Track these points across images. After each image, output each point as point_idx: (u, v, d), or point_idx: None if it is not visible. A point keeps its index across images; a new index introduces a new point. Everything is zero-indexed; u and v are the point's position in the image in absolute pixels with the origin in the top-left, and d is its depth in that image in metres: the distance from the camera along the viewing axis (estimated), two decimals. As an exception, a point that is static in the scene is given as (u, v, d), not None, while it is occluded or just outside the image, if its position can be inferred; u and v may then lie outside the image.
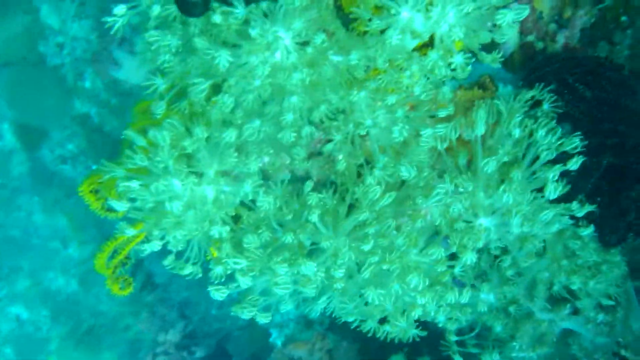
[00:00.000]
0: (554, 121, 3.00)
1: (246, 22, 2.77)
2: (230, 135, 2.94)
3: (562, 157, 2.93)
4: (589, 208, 3.02)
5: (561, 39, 3.27)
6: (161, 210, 3.06)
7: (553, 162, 2.96)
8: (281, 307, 3.36)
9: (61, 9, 5.69)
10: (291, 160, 3.26)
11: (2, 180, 8.41)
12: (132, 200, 3.04)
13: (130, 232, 3.09)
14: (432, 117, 3.03)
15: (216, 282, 3.16)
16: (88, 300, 8.73)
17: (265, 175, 3.32)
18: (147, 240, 3.18)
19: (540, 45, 3.29)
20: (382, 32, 2.75)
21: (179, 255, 3.26)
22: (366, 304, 3.25)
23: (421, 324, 3.37)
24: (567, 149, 2.94)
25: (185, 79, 3.05)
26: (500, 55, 2.83)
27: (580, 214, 3.04)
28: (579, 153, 2.89)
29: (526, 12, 2.72)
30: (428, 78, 2.90)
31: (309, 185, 3.11)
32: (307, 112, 2.99)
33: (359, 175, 3.13)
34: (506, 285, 3.47)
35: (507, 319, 3.64)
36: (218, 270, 3.13)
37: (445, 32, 2.74)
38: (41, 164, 7.57)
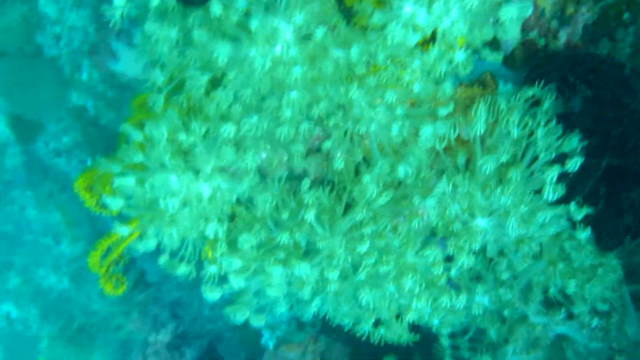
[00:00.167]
0: (554, 120, 2.97)
1: (246, 15, 2.75)
2: (228, 130, 2.91)
3: (562, 158, 2.90)
4: (587, 211, 3.00)
5: (563, 36, 3.25)
6: (156, 208, 3.02)
7: (552, 162, 2.93)
8: (275, 310, 3.33)
9: (59, -2, 5.66)
10: (289, 157, 3.23)
11: (-6, 173, 8.36)
12: (128, 197, 3.00)
13: (125, 230, 3.04)
14: (432, 114, 3.01)
15: (210, 282, 3.12)
16: (79, 299, 8.66)
17: (262, 172, 3.29)
18: (141, 238, 3.14)
19: (542, 42, 3.26)
20: (384, 26, 2.73)
21: (173, 254, 3.22)
22: (360, 306, 3.22)
23: (414, 327, 3.34)
24: (566, 150, 2.91)
25: (184, 72, 3.02)
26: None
27: (578, 217, 3.02)
28: (578, 154, 2.87)
29: (530, 10, 2.71)
30: (429, 74, 2.87)
31: (306, 183, 3.08)
32: (307, 108, 2.96)
33: (357, 173, 3.09)
34: (501, 288, 3.44)
35: (501, 323, 3.61)
36: (212, 269, 3.09)
37: (447, 27, 2.72)
38: (35, 157, 7.52)
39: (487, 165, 3.00)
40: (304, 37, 2.82)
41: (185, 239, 3.20)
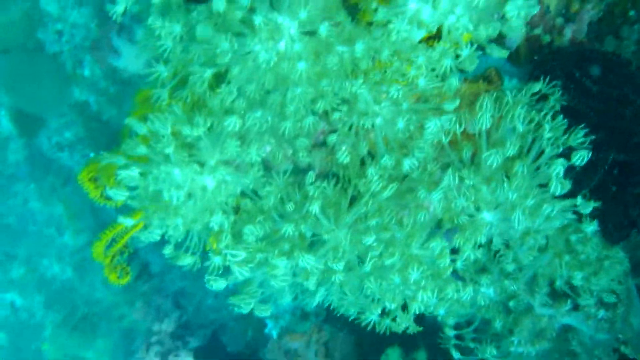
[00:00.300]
0: (560, 116, 2.97)
1: (251, 10, 2.74)
2: (233, 123, 2.90)
3: (568, 152, 2.90)
4: (593, 205, 3.00)
5: (568, 32, 3.24)
6: (161, 200, 3.03)
7: (559, 156, 2.93)
8: (280, 300, 3.34)
9: (60, -5, 5.65)
10: (294, 151, 3.23)
11: (-2, 167, 8.38)
12: (132, 188, 3.00)
13: (129, 221, 3.05)
14: (437, 109, 3.00)
15: (214, 273, 3.13)
16: (83, 288, 8.70)
17: (267, 166, 3.29)
18: (145, 229, 3.15)
19: (547, 38, 3.26)
20: (389, 22, 2.71)
21: (178, 245, 3.23)
22: (365, 296, 3.24)
23: (419, 317, 3.35)
24: (573, 144, 2.91)
25: (188, 67, 3.02)
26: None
27: (585, 211, 3.02)
28: (585, 148, 2.87)
29: (536, 7, 2.70)
30: (434, 70, 2.86)
31: (311, 176, 3.09)
32: (311, 103, 2.96)
33: (363, 167, 3.10)
34: (507, 280, 3.45)
35: (506, 314, 3.62)
36: (217, 260, 3.10)
37: (453, 23, 2.71)
38: (38, 151, 7.53)
39: (492, 159, 3.00)
40: (309, 33, 2.81)
41: (190, 231, 3.21)
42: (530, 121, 3.00)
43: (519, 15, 2.71)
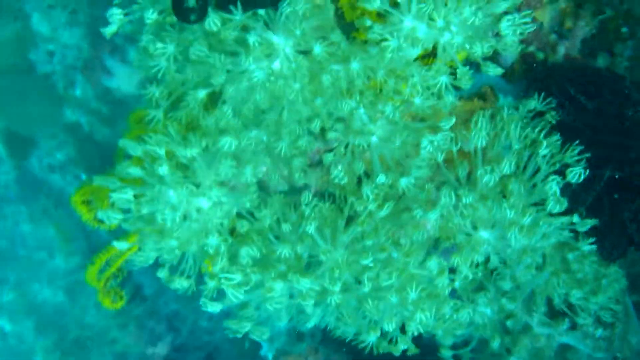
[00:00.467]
0: (556, 133, 2.96)
1: (245, 29, 2.73)
2: (228, 144, 2.88)
3: (564, 169, 2.90)
4: (591, 223, 2.99)
5: (562, 49, 3.26)
6: (155, 222, 2.99)
7: (555, 174, 2.92)
8: (277, 323, 3.31)
9: (52, 16, 5.63)
10: (289, 171, 3.21)
11: (-13, 189, 8.31)
12: (126, 211, 2.97)
13: (124, 244, 3.02)
14: (433, 127, 2.99)
15: (209, 296, 3.10)
16: (74, 312, 8.60)
17: (262, 186, 3.27)
18: (140, 252, 3.11)
19: (540, 55, 3.27)
20: (384, 40, 2.71)
21: (173, 268, 3.19)
22: (362, 317, 3.20)
23: (415, 337, 3.32)
24: (568, 161, 2.91)
25: (182, 87, 3.00)
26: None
27: (582, 229, 3.01)
28: (580, 166, 2.86)
29: (531, 26, 2.71)
30: (429, 88, 2.86)
31: (307, 196, 3.06)
32: (307, 122, 2.95)
33: (359, 186, 3.07)
34: (504, 298, 3.42)
35: (504, 333, 3.59)
36: (212, 284, 3.07)
37: (448, 41, 2.71)
38: (29, 173, 7.48)
39: (488, 177, 2.99)
40: (303, 52, 2.80)
41: (185, 253, 3.18)
42: (526, 138, 3.00)
43: (514, 32, 2.71)
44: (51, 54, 5.92)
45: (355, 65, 2.75)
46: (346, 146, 3.04)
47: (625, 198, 3.01)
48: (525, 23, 2.71)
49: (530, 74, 3.25)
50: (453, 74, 2.81)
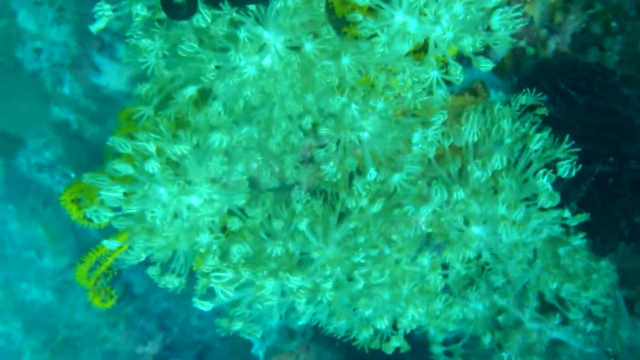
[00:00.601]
0: (547, 128, 2.97)
1: (235, 25, 2.71)
2: (218, 141, 2.86)
3: (555, 164, 2.90)
4: (581, 218, 3.00)
5: (552, 44, 3.26)
6: (146, 220, 2.97)
7: (546, 168, 2.92)
8: (268, 321, 3.29)
9: (39, 13, 5.57)
10: (281, 168, 3.20)
11: (-26, 189, 8.23)
12: (116, 209, 2.94)
13: (114, 243, 2.99)
14: (425, 123, 2.99)
15: (199, 293, 3.08)
16: (63, 312, 8.54)
17: (253, 183, 3.26)
18: (130, 251, 3.09)
19: (531, 50, 3.27)
20: (375, 36, 2.70)
21: (164, 266, 3.17)
22: (355, 314, 3.20)
23: (407, 334, 3.32)
24: (559, 156, 2.91)
25: (172, 83, 2.98)
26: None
27: (573, 224, 3.02)
28: (571, 161, 2.86)
29: (522, 21, 2.71)
30: (421, 83, 2.85)
31: (298, 193, 3.05)
32: (298, 119, 2.93)
33: (350, 182, 3.06)
34: (495, 294, 3.43)
35: (496, 329, 3.60)
36: (204, 282, 3.05)
37: (439, 36, 2.70)
38: (17, 172, 7.41)
39: (480, 172, 2.99)
40: (294, 48, 2.78)
41: (176, 251, 3.16)
42: (517, 133, 3.00)
43: (506, 27, 2.71)
44: (38, 52, 5.85)
45: (346, 61, 2.73)
46: (337, 142, 3.03)
47: (616, 193, 3.01)
48: (517, 17, 2.70)
49: (520, 69, 3.25)
50: (444, 69, 2.80)
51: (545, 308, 3.47)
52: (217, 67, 2.74)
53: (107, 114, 5.64)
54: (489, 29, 2.82)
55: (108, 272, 3.34)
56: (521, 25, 2.75)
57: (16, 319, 9.05)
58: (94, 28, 2.86)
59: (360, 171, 3.06)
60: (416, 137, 2.90)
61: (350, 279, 3.05)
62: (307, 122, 2.91)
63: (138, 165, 2.88)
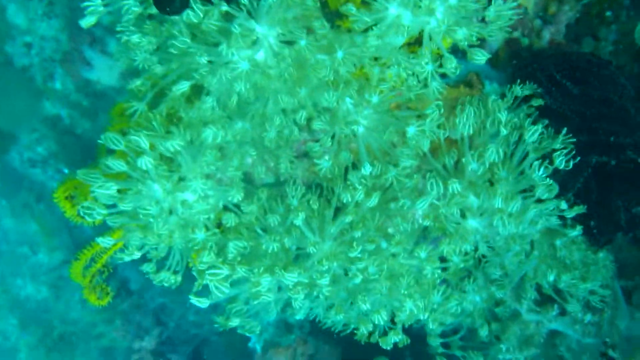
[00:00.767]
0: (543, 120, 2.95)
1: (228, 20, 2.68)
2: (211, 136, 2.83)
3: (551, 156, 2.88)
4: (578, 210, 2.98)
5: (547, 34, 3.24)
6: (141, 217, 2.94)
7: (542, 160, 2.90)
8: (266, 317, 3.28)
9: (29, 8, 5.52)
10: (276, 163, 3.17)
11: (-33, 184, 8.19)
12: (110, 206, 2.91)
13: (109, 241, 2.96)
14: (420, 116, 2.96)
15: (197, 290, 3.06)
16: (58, 308, 8.51)
17: (248, 178, 3.23)
18: (126, 248, 3.06)
19: (525, 41, 3.25)
20: (369, 29, 2.67)
21: (159, 262, 3.15)
22: (352, 308, 3.19)
23: (405, 327, 3.31)
24: (555, 147, 2.89)
25: (165, 79, 2.95)
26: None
27: (570, 216, 3.00)
28: (567, 152, 2.85)
29: (517, 12, 2.68)
30: (415, 76, 2.82)
31: (293, 188, 3.03)
32: (292, 113, 2.90)
33: (346, 177, 3.04)
34: (493, 286, 3.42)
35: (493, 321, 3.59)
36: (199, 279, 3.03)
37: (433, 29, 2.67)
38: (9, 167, 7.37)
39: (475, 165, 2.97)
40: (288, 42, 2.75)
41: (171, 248, 3.13)
42: (513, 125, 2.98)
43: (500, 18, 2.68)
44: (29, 46, 5.81)
45: (340, 54, 2.71)
46: (332, 136, 3.00)
47: (613, 184, 3.00)
48: (512, 8, 2.68)
49: (515, 60, 3.23)
50: (439, 61, 2.77)
51: (543, 299, 3.46)
52: (210, 62, 2.71)
53: (99, 108, 5.61)
54: (483, 20, 2.80)
55: (103, 269, 3.32)
56: (516, 16, 2.73)
57: (11, 316, 9.03)
58: (85, 23, 2.82)
59: (356, 165, 3.04)
60: (411, 130, 2.87)
61: (347, 273, 3.03)
62: (302, 116, 2.88)
63: (131, 162, 2.84)
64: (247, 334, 3.21)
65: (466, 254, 3.15)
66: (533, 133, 2.90)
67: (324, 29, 2.77)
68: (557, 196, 2.96)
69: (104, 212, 2.85)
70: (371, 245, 2.98)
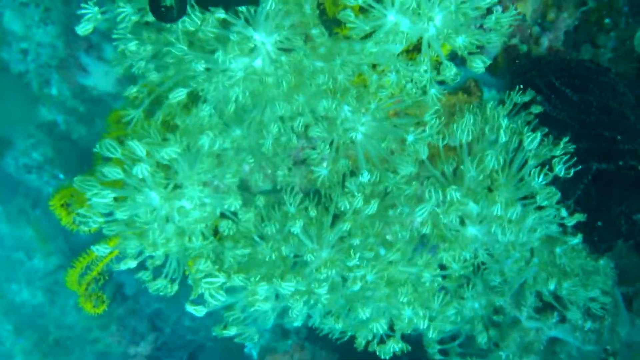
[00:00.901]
0: (542, 126, 2.94)
1: (225, 27, 2.66)
2: (208, 143, 2.81)
3: (551, 162, 2.87)
4: (579, 218, 2.96)
5: (545, 41, 3.23)
6: (137, 225, 2.92)
7: (542, 167, 2.89)
8: (263, 324, 3.26)
9: (25, 14, 5.50)
10: (273, 170, 3.15)
11: (-37, 190, 8.16)
12: (107, 214, 2.88)
13: (105, 249, 2.93)
14: (418, 123, 2.95)
15: (193, 298, 3.03)
16: (54, 313, 8.49)
17: (245, 185, 3.21)
18: (122, 256, 3.04)
19: (524, 48, 3.24)
20: (367, 36, 2.66)
21: (156, 269, 3.13)
22: (350, 316, 3.16)
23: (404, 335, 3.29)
24: (556, 154, 2.87)
25: (162, 86, 2.93)
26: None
27: (570, 223, 2.98)
28: (568, 159, 2.83)
29: (516, 19, 2.67)
30: (414, 83, 2.80)
31: (291, 195, 3.01)
32: (290, 120, 2.89)
33: (344, 184, 3.02)
34: (492, 293, 3.40)
35: (492, 328, 3.58)
36: (195, 288, 3.00)
37: (432, 36, 2.66)
38: (5, 173, 7.35)
39: (474, 172, 2.96)
40: (286, 50, 2.74)
41: (168, 255, 3.11)
42: (512, 132, 2.96)
43: (499, 26, 2.67)
44: (25, 53, 5.80)
45: (338, 62, 2.69)
46: (331, 143, 2.98)
47: (613, 191, 2.99)
48: (511, 15, 2.66)
49: (514, 67, 3.22)
50: (437, 68, 2.75)
51: (543, 306, 3.45)
52: (207, 70, 2.69)
53: (95, 114, 5.59)
54: (481, 27, 2.79)
55: (99, 276, 3.29)
56: (514, 23, 2.72)
57: (7, 321, 8.99)
58: (81, 30, 2.79)
59: (354, 172, 3.02)
60: (410, 137, 2.85)
61: (346, 279, 3.01)
62: (299, 123, 2.85)
63: (128, 170, 2.82)
64: (244, 342, 3.19)
65: (465, 261, 3.13)
66: (532, 140, 2.88)
67: (322, 37, 2.75)
68: (557, 203, 2.95)
69: (100, 220, 2.82)
70: (370, 253, 2.96)
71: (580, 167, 2.85)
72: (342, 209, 2.95)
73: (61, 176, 6.61)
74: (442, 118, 2.97)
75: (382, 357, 3.15)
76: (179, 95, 2.78)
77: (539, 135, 2.88)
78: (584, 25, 3.23)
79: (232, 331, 3.12)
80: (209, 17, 2.59)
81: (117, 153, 2.77)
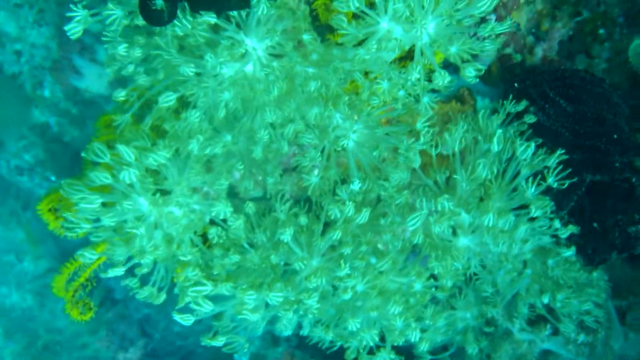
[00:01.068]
0: (535, 137, 2.91)
1: (217, 32, 2.63)
2: (197, 148, 2.77)
3: (544, 173, 2.84)
4: (572, 229, 2.93)
5: (539, 51, 3.21)
6: (125, 231, 2.88)
7: (535, 178, 2.86)
8: (253, 333, 3.21)
9: (19, 15, 5.48)
10: (263, 177, 3.12)
11: (-47, 192, 8.11)
12: (95, 220, 2.83)
13: (92, 256, 2.88)
14: (411, 131, 2.92)
15: (182, 307, 2.99)
16: (43, 317, 8.44)
17: (235, 192, 3.18)
18: (110, 262, 2.99)
19: (518, 57, 3.21)
20: (360, 43, 2.63)
21: (144, 277, 3.09)
22: (339, 325, 3.13)
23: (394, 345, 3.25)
24: (549, 164, 2.85)
25: (151, 90, 2.89)
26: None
27: (564, 235, 2.95)
28: (561, 170, 2.81)
29: (509, 26, 2.63)
30: (407, 92, 2.78)
31: (281, 202, 2.98)
32: (281, 127, 2.85)
33: (335, 192, 2.98)
34: (484, 304, 3.37)
35: (484, 339, 3.54)
36: (184, 295, 2.96)
37: (425, 44, 2.63)
38: (-4, 175, 7.33)
39: (467, 182, 2.93)
40: (277, 55, 2.71)
41: (156, 262, 3.07)
42: (505, 142, 2.93)
43: (494, 35, 2.65)
44: (18, 54, 5.78)
45: (329, 69, 2.66)
46: (322, 151, 2.95)
47: (607, 202, 2.96)
48: (504, 25, 2.63)
49: (507, 76, 3.19)
50: (430, 76, 2.72)
51: (536, 318, 3.41)
52: (197, 74, 2.66)
53: (88, 116, 5.57)
54: (475, 35, 2.76)
55: (87, 283, 3.25)
56: (508, 31, 2.69)
57: (-4, 325, 8.95)
58: (71, 32, 2.75)
59: (345, 180, 2.99)
60: (402, 146, 2.82)
61: (336, 288, 2.98)
62: (290, 130, 2.81)
63: (116, 175, 2.78)
64: (235, 353, 3.14)
65: (457, 270, 3.10)
66: (525, 149, 2.85)
67: (315, 43, 2.72)
68: (551, 213, 2.92)
69: (88, 226, 2.77)
70: (361, 262, 2.92)
71: (574, 178, 2.82)
72: (333, 217, 2.91)
73: (53, 178, 6.58)
74: (435, 126, 2.95)
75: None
76: (169, 99, 2.74)
77: (532, 144, 2.86)
78: (579, 36, 3.21)
79: (221, 341, 3.07)
80: (200, 21, 2.56)
81: (106, 158, 2.71)
